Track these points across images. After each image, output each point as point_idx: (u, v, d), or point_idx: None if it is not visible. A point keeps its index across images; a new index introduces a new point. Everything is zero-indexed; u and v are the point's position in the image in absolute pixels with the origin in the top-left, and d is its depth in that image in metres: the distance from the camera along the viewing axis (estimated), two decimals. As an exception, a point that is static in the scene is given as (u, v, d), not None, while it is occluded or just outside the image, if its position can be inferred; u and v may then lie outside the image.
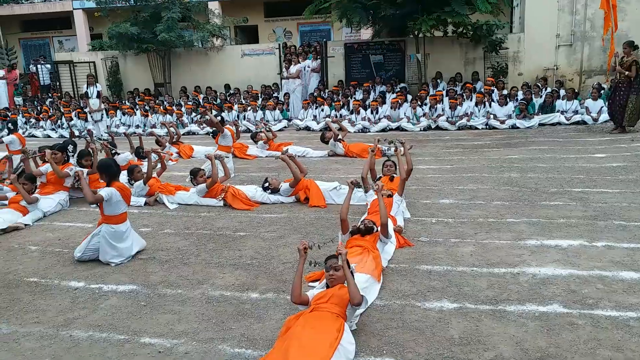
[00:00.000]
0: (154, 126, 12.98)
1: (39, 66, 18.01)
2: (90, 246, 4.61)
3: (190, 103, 13.83)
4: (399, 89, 13.16)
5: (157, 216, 6.07)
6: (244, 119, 12.96)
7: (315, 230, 5.27)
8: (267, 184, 6.42)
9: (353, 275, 3.22)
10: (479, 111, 11.44)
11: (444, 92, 12.39)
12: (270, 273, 4.27)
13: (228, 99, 14.13)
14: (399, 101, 11.97)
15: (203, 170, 6.78)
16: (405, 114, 11.82)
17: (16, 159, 7.89)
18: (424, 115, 11.70)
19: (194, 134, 12.57)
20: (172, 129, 10.60)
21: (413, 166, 5.81)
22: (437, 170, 7.69)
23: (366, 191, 5.51)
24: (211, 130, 9.97)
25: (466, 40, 13.53)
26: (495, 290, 3.75)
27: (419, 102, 11.90)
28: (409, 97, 12.65)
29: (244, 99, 14.09)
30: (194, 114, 13.17)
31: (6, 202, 6.23)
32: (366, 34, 16.69)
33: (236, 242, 5.05)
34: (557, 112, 11.26)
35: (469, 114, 11.40)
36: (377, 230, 4.30)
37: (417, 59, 13.50)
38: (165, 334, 3.38)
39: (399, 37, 14.08)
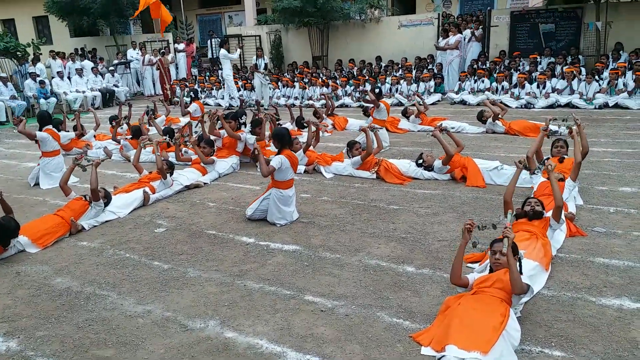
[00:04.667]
0: (310, 98, 13.53)
1: (212, 40, 19.79)
2: (261, 207, 5.08)
3: (345, 76, 14.11)
4: (571, 61, 11.86)
5: (315, 184, 6.40)
6: (397, 91, 12.86)
7: (473, 211, 5.08)
8: (421, 160, 6.33)
9: (521, 262, 3.05)
10: (673, 87, 9.83)
11: (627, 65, 10.85)
12: (426, 249, 4.26)
13: (381, 71, 14.10)
14: (573, 72, 10.79)
15: (359, 143, 6.90)
16: (578, 89, 10.64)
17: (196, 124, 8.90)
18: (601, 90, 10.40)
19: (347, 106, 12.83)
20: (328, 102, 10.95)
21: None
22: (616, 153, 6.85)
23: (532, 173, 5.13)
24: (364, 105, 10.11)
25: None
26: (690, 295, 3.28)
27: (595, 77, 10.61)
28: (583, 70, 11.34)
29: (395, 71, 13.95)
30: (347, 87, 13.41)
31: (189, 163, 7.09)
32: (535, 0, 15.24)
33: (389, 215, 5.11)
34: None
35: (658, 90, 9.87)
36: (546, 216, 4.00)
37: (595, 27, 11.97)
38: (327, 294, 3.59)
39: (576, 3, 12.61)
